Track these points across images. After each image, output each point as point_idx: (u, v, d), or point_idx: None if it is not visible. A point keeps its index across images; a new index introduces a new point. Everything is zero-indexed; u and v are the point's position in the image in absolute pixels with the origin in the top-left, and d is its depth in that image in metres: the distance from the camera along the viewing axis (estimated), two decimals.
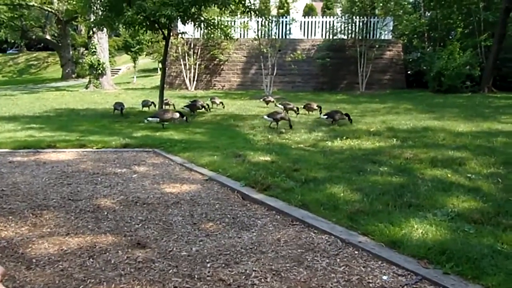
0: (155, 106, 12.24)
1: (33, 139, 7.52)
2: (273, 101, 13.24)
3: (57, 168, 5.52)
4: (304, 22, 21.60)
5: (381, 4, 19.24)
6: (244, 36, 21.16)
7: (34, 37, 33.63)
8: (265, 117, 9.33)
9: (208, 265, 2.81)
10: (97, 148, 6.98)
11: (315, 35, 21.35)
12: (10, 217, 3.67)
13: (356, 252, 3.01)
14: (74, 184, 4.79)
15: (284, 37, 20.10)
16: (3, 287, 1.02)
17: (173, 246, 3.12)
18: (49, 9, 29.26)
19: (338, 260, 2.90)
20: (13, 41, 37.73)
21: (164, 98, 13.27)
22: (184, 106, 12.02)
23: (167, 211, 3.93)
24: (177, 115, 9.34)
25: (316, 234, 3.36)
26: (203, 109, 11.81)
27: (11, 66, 38.14)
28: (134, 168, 5.69)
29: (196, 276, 2.65)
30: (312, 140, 7.73)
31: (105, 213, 3.82)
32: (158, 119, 9.18)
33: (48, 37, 32.38)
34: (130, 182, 4.96)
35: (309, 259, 2.90)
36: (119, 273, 2.66)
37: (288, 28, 20.41)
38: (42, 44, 37.61)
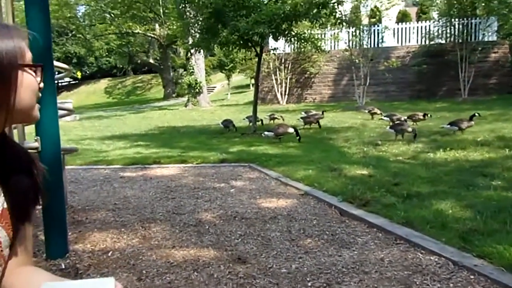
0: (262, 122, 12.40)
1: (141, 155, 8.13)
2: (379, 113, 12.66)
3: (162, 183, 5.89)
4: (398, 29, 20.77)
5: (483, 4, 17.81)
6: (334, 48, 20.95)
7: (139, 61, 36.77)
8: (388, 129, 9.01)
9: (309, 283, 2.75)
10: (196, 163, 7.32)
11: (409, 41, 20.42)
12: (123, 229, 3.97)
13: (472, 277, 2.73)
14: (177, 198, 5.06)
15: (376, 45, 19.51)
16: None
17: (273, 262, 3.12)
18: (152, 35, 31.82)
19: (451, 285, 2.65)
20: (121, 66, 41.67)
21: (271, 113, 13.54)
22: (300, 118, 12.15)
23: (265, 226, 3.96)
24: (291, 130, 9.35)
25: (423, 254, 3.13)
26: (317, 124, 11.60)
27: (120, 89, 41.95)
28: (231, 182, 5.85)
29: None
30: (411, 151, 7.32)
31: (207, 227, 3.96)
32: (273, 133, 9.44)
33: (151, 60, 35.16)
34: (228, 196, 5.10)
35: (417, 283, 2.70)
36: None
37: (380, 36, 19.78)
38: (146, 68, 40.88)
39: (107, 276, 1.08)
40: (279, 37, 11.29)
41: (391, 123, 10.44)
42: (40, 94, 1.12)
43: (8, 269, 1.14)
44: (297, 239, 3.60)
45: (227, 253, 3.31)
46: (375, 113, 12.88)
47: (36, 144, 3.13)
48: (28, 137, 4.07)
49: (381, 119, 11.60)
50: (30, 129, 4.18)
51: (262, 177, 6.18)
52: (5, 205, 1.09)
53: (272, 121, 12.89)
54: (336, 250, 3.32)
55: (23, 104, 1.03)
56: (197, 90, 23.15)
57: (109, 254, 3.35)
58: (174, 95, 32.59)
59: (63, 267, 3.11)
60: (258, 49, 11.69)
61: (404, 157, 6.90)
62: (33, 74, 1.06)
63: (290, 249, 3.39)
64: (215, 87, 34.12)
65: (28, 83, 1.04)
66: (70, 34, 33.92)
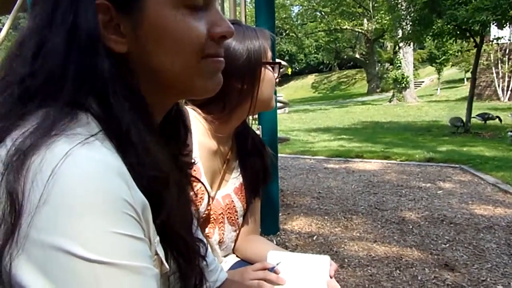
0: (500, 119, 11.03)
1: (344, 148, 8.31)
2: None
3: (364, 177, 5.91)
4: None
5: None
6: None
7: (345, 57, 37.30)
8: None
9: None
10: (400, 161, 7.08)
11: None
12: (326, 217, 4.17)
13: None
14: (379, 193, 5.01)
15: None
16: (336, 283, 1.16)
17: (487, 275, 2.82)
18: (359, 30, 31.80)
19: None
20: (327, 61, 43.02)
21: None
22: None
23: (477, 235, 3.59)
24: None
25: None
26: None
27: (325, 84, 43.41)
28: (438, 184, 5.47)
29: None
30: None
31: (410, 227, 3.83)
32: None
33: (357, 55, 35.22)
34: (435, 198, 4.79)
35: None
36: None
37: None
38: (352, 63, 41.18)
39: None
40: (505, 25, 9.87)
41: None
42: (276, 88, 1.30)
43: (240, 235, 1.37)
44: None
45: (433, 257, 3.15)
46: None
47: (258, 132, 3.56)
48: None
49: None
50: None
51: (475, 181, 5.58)
52: (241, 181, 1.31)
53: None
54: None
55: (264, 96, 1.22)
56: (403, 84, 22.16)
57: (314, 238, 3.58)
58: (378, 90, 31.94)
59: (275, 243, 3.46)
60: (477, 39, 10.48)
61: None
62: (271, 70, 1.24)
63: (508, 264, 3.01)
64: (423, 81, 32.01)
65: (269, 78, 1.22)
66: (284, 34, 36.69)
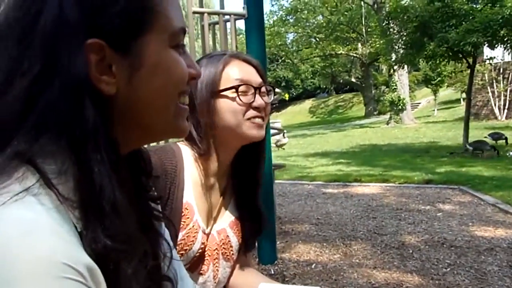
0: (506, 141, 10.73)
1: (342, 173, 8.28)
2: None
3: (363, 201, 5.87)
4: None
5: None
6: None
7: (341, 81, 37.68)
8: None
9: None
10: (399, 183, 7.05)
11: None
12: (325, 244, 4.11)
13: None
14: (378, 218, 4.96)
15: None
16: None
17: None
18: (354, 55, 32.27)
19: None
20: (324, 86, 43.43)
21: None
22: None
23: (479, 258, 3.54)
24: None
25: None
26: None
27: (322, 108, 43.64)
28: (438, 205, 5.43)
29: None
30: None
31: (410, 251, 3.77)
32: None
33: (353, 79, 35.58)
34: (434, 220, 4.75)
35: None
36: None
37: None
38: (348, 87, 41.56)
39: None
40: (496, 45, 10.02)
41: None
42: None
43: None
44: None
45: (434, 282, 3.09)
46: None
47: None
48: None
49: None
50: None
51: (475, 202, 5.54)
52: (237, 215, 1.27)
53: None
54: None
55: (229, 125, 1.10)
56: (400, 107, 22.28)
57: (313, 266, 3.52)
58: (375, 113, 32.11)
59: (272, 272, 3.41)
60: (470, 60, 10.62)
61: None
62: (233, 95, 1.14)
63: (511, 287, 2.95)
64: (419, 103, 32.21)
65: (226, 106, 1.11)
66: (280, 60, 37.17)
